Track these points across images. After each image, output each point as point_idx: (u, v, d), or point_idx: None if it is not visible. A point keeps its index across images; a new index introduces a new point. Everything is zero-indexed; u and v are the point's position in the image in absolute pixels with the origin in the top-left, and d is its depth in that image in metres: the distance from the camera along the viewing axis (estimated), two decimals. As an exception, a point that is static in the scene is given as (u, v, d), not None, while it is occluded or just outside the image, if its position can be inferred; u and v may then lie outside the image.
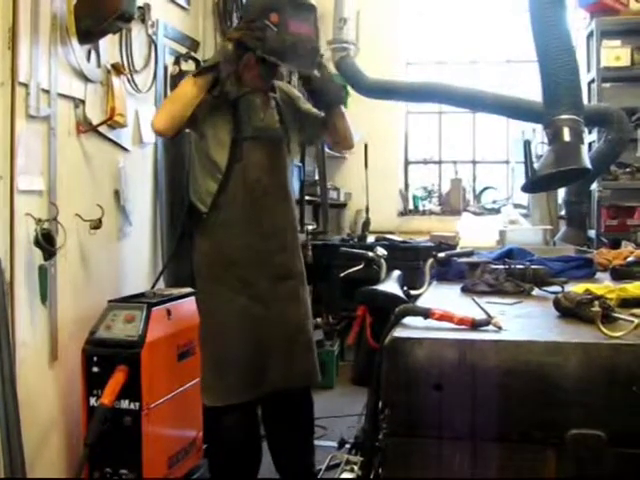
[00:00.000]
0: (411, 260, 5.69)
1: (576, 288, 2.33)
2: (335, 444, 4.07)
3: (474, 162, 8.68)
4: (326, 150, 7.26)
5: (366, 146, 7.21)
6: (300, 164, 6.60)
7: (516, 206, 7.83)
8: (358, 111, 8.06)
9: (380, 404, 2.13)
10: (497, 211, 7.89)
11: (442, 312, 2.05)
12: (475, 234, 5.92)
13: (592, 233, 6.56)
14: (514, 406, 1.84)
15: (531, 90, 7.31)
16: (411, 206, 8.55)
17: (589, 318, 2.05)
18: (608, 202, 6.64)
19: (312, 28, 3.29)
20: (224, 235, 3.37)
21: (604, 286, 2.44)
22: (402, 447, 1.95)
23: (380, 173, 7.75)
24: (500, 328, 1.97)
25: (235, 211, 3.37)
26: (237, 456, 3.44)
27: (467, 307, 2.31)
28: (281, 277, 3.47)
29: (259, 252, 3.39)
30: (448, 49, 8.42)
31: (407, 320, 2.08)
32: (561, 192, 6.71)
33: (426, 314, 2.06)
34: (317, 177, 7.20)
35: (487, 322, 2.00)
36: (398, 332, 1.95)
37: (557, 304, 2.26)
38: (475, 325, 1.99)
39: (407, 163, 8.71)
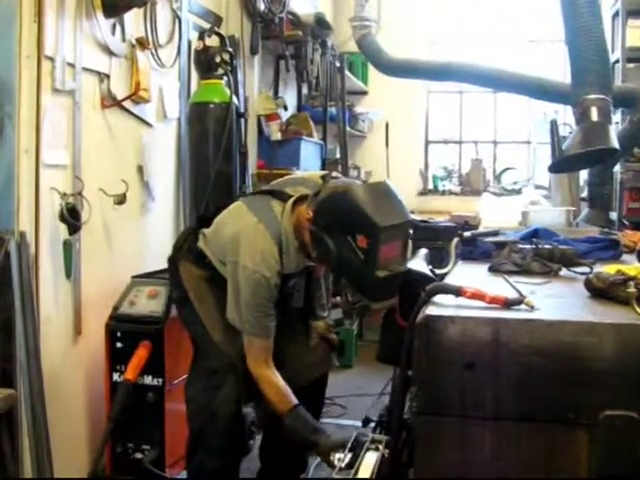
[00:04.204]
0: (431, 240, 5.64)
1: (607, 269, 2.30)
2: (355, 422, 4.06)
3: (495, 142, 8.62)
4: (347, 129, 7.23)
5: (387, 125, 7.16)
6: (322, 142, 6.57)
7: (537, 187, 7.79)
8: (379, 89, 8.09)
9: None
10: (517, 192, 7.84)
11: (474, 290, 2.03)
12: (496, 215, 5.90)
13: (614, 215, 6.50)
14: (547, 386, 1.83)
15: (553, 70, 7.31)
16: (431, 186, 8.51)
17: (622, 299, 2.03)
18: (630, 184, 6.56)
19: (402, 245, 2.70)
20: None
21: (635, 267, 2.41)
22: (431, 426, 1.94)
23: (401, 152, 7.70)
24: (533, 307, 1.95)
25: None
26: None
27: (496, 286, 2.29)
28: None
29: None
30: (470, 28, 8.33)
31: (438, 298, 2.07)
32: (583, 174, 6.66)
33: (458, 292, 2.04)
34: (338, 155, 7.16)
35: (519, 301, 1.98)
36: (430, 310, 1.94)
37: (588, 284, 2.23)
38: (508, 304, 1.98)
39: (427, 142, 8.66)
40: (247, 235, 2.91)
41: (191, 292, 3.16)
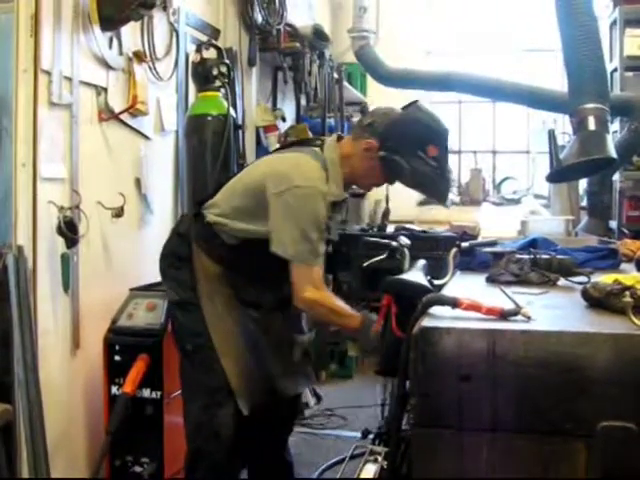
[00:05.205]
0: (431, 250, 5.62)
1: (605, 278, 2.30)
2: (355, 434, 4.06)
3: (494, 152, 8.62)
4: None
5: (386, 135, 7.17)
6: (320, 153, 6.56)
7: (536, 196, 7.79)
8: (378, 100, 8.08)
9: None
10: (517, 201, 7.85)
11: (470, 302, 2.03)
12: (496, 224, 5.90)
13: (613, 224, 6.49)
14: (544, 398, 1.82)
15: (550, 79, 7.30)
16: (430, 196, 8.50)
17: (619, 309, 2.02)
18: (630, 193, 6.54)
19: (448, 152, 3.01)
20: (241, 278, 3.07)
21: (632, 277, 2.40)
22: (428, 438, 1.93)
23: (400, 162, 7.70)
24: (529, 318, 1.95)
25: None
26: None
27: (493, 297, 2.28)
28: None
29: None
30: (467, 38, 8.35)
31: (434, 310, 2.06)
32: (582, 183, 6.65)
33: (454, 304, 2.03)
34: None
35: (516, 312, 1.98)
36: (426, 321, 1.93)
37: (585, 294, 2.23)
38: (504, 315, 1.97)
39: (426, 153, 8.64)
40: (293, 163, 2.94)
41: (204, 296, 3.03)
